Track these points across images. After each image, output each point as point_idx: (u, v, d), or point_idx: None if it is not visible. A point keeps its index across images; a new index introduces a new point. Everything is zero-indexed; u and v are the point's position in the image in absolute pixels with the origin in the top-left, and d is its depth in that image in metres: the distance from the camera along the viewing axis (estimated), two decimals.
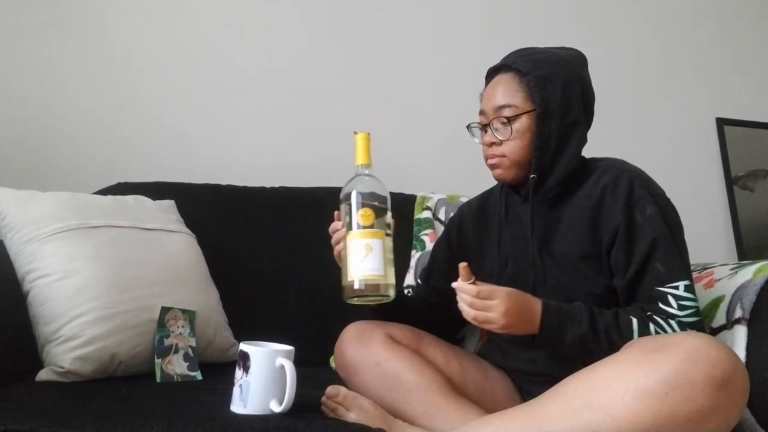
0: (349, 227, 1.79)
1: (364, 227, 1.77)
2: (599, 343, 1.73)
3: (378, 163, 3.12)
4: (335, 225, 1.94)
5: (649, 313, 1.76)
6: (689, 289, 1.76)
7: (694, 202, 3.43)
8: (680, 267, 1.78)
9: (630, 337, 1.72)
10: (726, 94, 3.63)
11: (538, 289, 1.90)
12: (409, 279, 2.65)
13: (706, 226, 3.45)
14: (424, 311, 2.18)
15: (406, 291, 2.38)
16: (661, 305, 1.75)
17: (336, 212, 1.92)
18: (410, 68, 3.26)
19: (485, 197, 2.24)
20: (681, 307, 1.74)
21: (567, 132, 1.91)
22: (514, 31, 3.36)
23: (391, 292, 1.78)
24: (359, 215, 1.78)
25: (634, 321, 1.75)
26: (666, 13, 3.59)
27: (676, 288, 1.76)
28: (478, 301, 1.73)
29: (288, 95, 3.15)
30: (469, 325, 1.99)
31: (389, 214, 1.85)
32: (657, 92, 3.54)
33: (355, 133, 1.87)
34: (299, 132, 3.15)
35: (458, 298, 1.76)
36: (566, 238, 1.91)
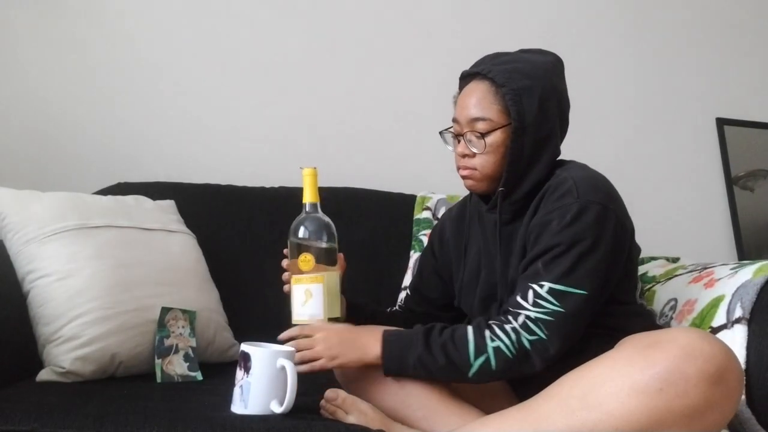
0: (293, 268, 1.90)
1: (304, 272, 1.88)
2: (435, 359, 1.74)
3: (377, 163, 3.14)
4: (284, 262, 1.99)
5: (490, 321, 1.75)
6: (559, 295, 1.71)
7: (694, 202, 3.44)
8: (561, 274, 1.72)
9: (466, 348, 1.73)
10: (726, 93, 3.63)
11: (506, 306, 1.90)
12: (408, 280, 2.65)
13: (706, 226, 3.45)
14: (413, 322, 2.17)
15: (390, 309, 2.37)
16: (518, 298, 1.74)
17: (285, 249, 1.97)
18: (411, 66, 3.26)
19: (464, 202, 2.19)
20: (536, 304, 1.71)
21: (540, 146, 1.87)
22: (514, 30, 3.36)
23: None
24: (299, 261, 1.89)
25: (469, 330, 1.75)
26: (665, 13, 3.59)
27: (541, 287, 1.72)
28: (303, 340, 1.82)
29: (288, 94, 3.15)
30: None
31: (335, 248, 1.93)
32: (656, 92, 3.53)
33: (301, 168, 1.88)
34: (299, 131, 3.15)
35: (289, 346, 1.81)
36: (519, 249, 1.89)
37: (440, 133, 2.00)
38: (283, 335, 1.84)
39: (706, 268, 2.19)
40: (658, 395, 1.46)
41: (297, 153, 3.11)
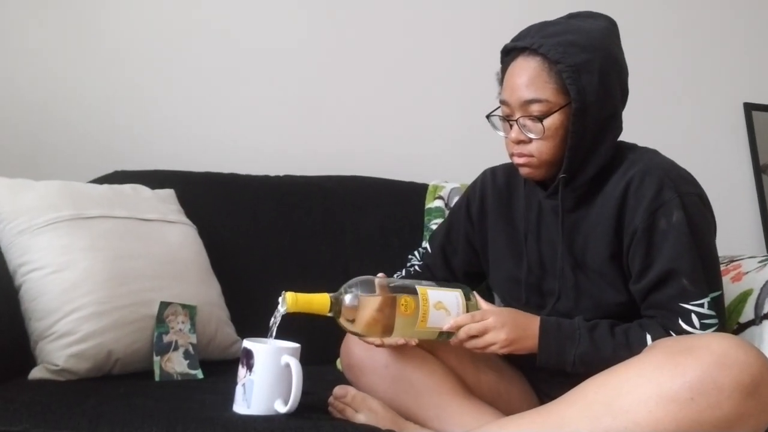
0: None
1: (409, 314, 1.76)
2: (604, 361, 1.68)
3: (388, 150, 3.13)
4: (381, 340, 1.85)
5: (670, 331, 1.73)
6: (714, 304, 1.73)
7: (721, 191, 3.38)
8: (706, 281, 1.74)
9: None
10: (754, 77, 3.60)
11: (563, 300, 1.89)
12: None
13: (732, 217, 3.42)
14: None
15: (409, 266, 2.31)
16: (681, 323, 1.72)
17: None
18: (422, 49, 3.23)
19: (512, 171, 2.08)
20: (703, 326, 1.70)
21: (604, 125, 1.81)
22: (533, 4, 3.33)
23: None
24: (401, 306, 1.75)
25: (648, 338, 1.73)
26: None
27: (701, 306, 1.71)
28: (474, 325, 1.76)
29: (294, 79, 3.13)
30: None
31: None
32: (682, 76, 3.51)
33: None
34: (305, 118, 3.14)
35: (457, 337, 1.79)
36: (591, 240, 1.86)
37: (487, 116, 1.92)
38: (451, 324, 1.77)
39: (732, 261, 2.17)
40: (689, 405, 1.45)
41: (303, 140, 3.10)
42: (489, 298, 1.90)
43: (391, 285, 1.76)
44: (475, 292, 1.88)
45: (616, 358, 1.65)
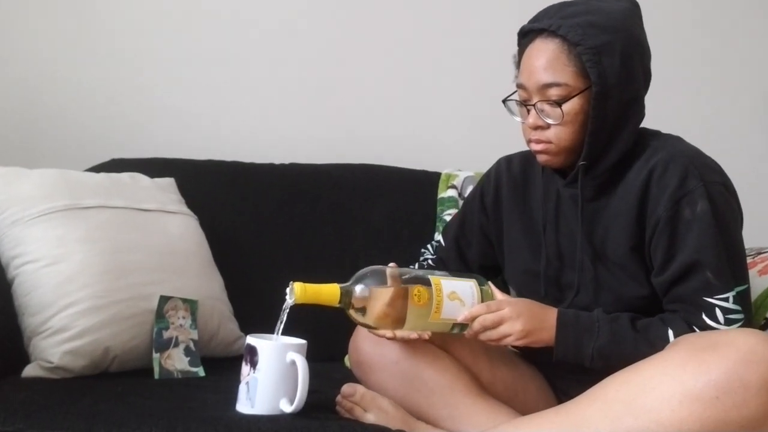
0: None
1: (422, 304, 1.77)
2: (624, 356, 1.69)
3: (399, 137, 3.12)
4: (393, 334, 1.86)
5: (693, 326, 1.73)
6: (740, 298, 1.72)
7: (747, 181, 3.33)
8: (731, 274, 1.73)
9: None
10: None
11: (582, 294, 1.89)
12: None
13: (760, 207, 3.38)
14: None
15: (422, 260, 2.32)
16: (705, 317, 1.71)
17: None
18: (435, 29, 3.22)
19: (529, 159, 2.08)
20: (728, 321, 1.70)
21: (626, 110, 1.81)
22: None
23: None
24: (414, 296, 1.76)
25: (670, 333, 1.73)
26: None
27: (726, 300, 1.71)
28: (489, 315, 1.76)
29: (299, 61, 3.12)
30: None
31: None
32: (706, 60, 3.48)
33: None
34: (312, 102, 3.13)
35: (471, 328, 1.79)
36: (612, 231, 1.86)
37: (503, 101, 1.92)
38: (466, 315, 1.77)
39: (760, 254, 2.18)
40: (714, 404, 1.45)
41: (310, 126, 3.09)
42: (505, 293, 1.90)
43: (403, 275, 1.76)
44: (490, 282, 1.88)
45: (636, 354, 1.66)
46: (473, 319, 1.76)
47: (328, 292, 1.69)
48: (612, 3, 1.85)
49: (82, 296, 2.02)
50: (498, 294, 1.84)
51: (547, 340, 1.78)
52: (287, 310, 1.69)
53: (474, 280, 1.85)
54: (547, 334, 1.77)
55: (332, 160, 2.88)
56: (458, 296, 1.78)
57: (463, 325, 1.78)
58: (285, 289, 1.67)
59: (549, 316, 1.79)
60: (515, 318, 1.75)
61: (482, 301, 1.80)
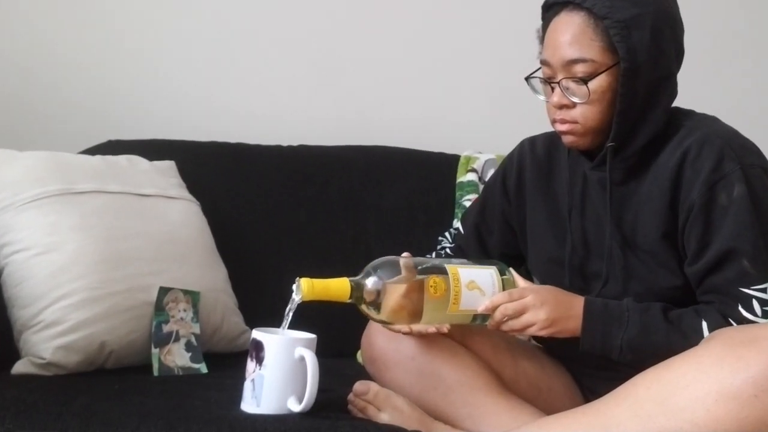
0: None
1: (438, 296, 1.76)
2: (655, 349, 1.69)
3: (414, 117, 3.11)
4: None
5: (729, 319, 1.72)
6: None
7: None
8: None
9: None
10: None
11: (611, 284, 1.88)
12: None
13: None
14: None
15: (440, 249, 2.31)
16: (741, 309, 1.71)
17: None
18: (451, 4, 3.21)
19: (554, 140, 2.07)
20: (766, 314, 1.69)
21: (657, 88, 1.80)
22: None
23: None
24: (429, 287, 1.75)
25: (704, 326, 1.72)
26: None
27: (764, 291, 1.70)
28: (511, 304, 1.74)
29: (308, 36, 3.13)
30: None
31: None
32: (746, 31, 3.46)
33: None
34: (322, 80, 3.14)
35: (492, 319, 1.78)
36: (642, 216, 1.85)
37: (526, 78, 1.91)
38: (486, 305, 1.76)
39: None
40: (752, 403, 1.44)
41: (319, 105, 3.09)
42: (529, 281, 1.89)
43: (418, 265, 1.75)
44: (511, 269, 1.87)
45: (668, 347, 1.67)
46: (494, 308, 1.75)
47: (337, 288, 1.68)
48: None
49: (76, 287, 2.01)
50: (520, 281, 1.84)
51: (573, 330, 1.77)
52: (293, 309, 1.68)
53: (494, 267, 1.84)
54: (573, 323, 1.77)
55: (343, 142, 2.89)
56: (477, 285, 1.77)
57: (484, 316, 1.78)
58: (292, 280, 1.66)
59: (575, 304, 1.78)
60: (539, 306, 1.74)
61: (503, 290, 1.79)
